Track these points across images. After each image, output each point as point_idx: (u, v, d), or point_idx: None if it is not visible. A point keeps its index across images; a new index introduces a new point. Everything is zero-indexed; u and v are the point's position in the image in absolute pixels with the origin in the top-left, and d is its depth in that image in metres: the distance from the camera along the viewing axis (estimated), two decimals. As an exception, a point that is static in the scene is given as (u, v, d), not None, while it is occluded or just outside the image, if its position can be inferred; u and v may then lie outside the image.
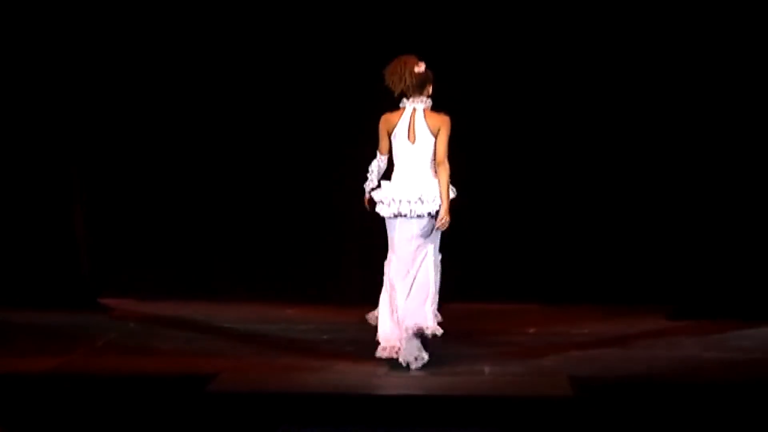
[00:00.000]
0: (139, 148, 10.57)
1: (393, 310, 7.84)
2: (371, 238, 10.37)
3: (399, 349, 7.75)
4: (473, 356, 8.33)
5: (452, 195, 7.76)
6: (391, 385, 7.43)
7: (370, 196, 7.87)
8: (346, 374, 7.64)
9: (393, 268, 7.84)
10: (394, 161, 7.85)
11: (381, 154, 7.83)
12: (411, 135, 7.72)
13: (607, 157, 10.42)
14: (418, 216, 7.70)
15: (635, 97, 10.28)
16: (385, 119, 7.79)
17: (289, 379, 7.46)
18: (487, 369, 7.86)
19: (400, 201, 7.69)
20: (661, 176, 10.25)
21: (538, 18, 10.28)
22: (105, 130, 10.50)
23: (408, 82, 7.68)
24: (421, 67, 7.71)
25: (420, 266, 7.74)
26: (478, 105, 10.24)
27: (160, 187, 10.60)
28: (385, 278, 7.94)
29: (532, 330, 9.33)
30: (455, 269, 9.52)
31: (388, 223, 7.82)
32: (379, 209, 7.81)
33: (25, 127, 10.13)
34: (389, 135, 7.77)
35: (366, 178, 7.96)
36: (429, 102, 7.77)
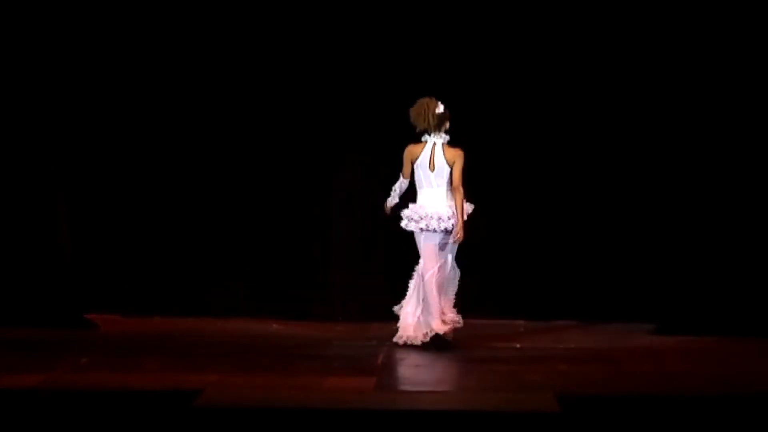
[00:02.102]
0: (125, 168, 10.57)
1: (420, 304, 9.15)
2: (356, 255, 10.44)
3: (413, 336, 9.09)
4: (460, 371, 8.33)
5: (470, 209, 9.19)
6: (378, 401, 7.41)
7: (391, 208, 9.35)
8: (333, 390, 7.63)
9: (425, 270, 9.11)
10: (417, 185, 9.22)
11: (404, 177, 9.25)
12: (431, 164, 9.12)
13: (593, 178, 10.46)
14: (434, 231, 9.07)
15: (618, 121, 10.36)
16: (410, 150, 9.19)
17: (276, 394, 7.45)
18: (473, 384, 7.86)
19: (426, 217, 9.06)
20: (647, 196, 10.29)
21: (545, 50, 10.38)
22: (91, 146, 10.50)
23: (431, 123, 9.11)
24: (440, 109, 9.14)
25: (449, 272, 9.18)
26: (465, 131, 10.32)
27: (146, 203, 10.60)
28: (416, 276, 9.20)
29: (518, 345, 9.34)
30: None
31: (416, 236, 9.17)
32: (407, 226, 9.16)
33: (11, 144, 10.12)
34: (412, 163, 9.14)
35: (389, 195, 9.34)
36: (446, 137, 9.17)
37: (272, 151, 10.58)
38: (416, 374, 8.22)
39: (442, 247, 9.14)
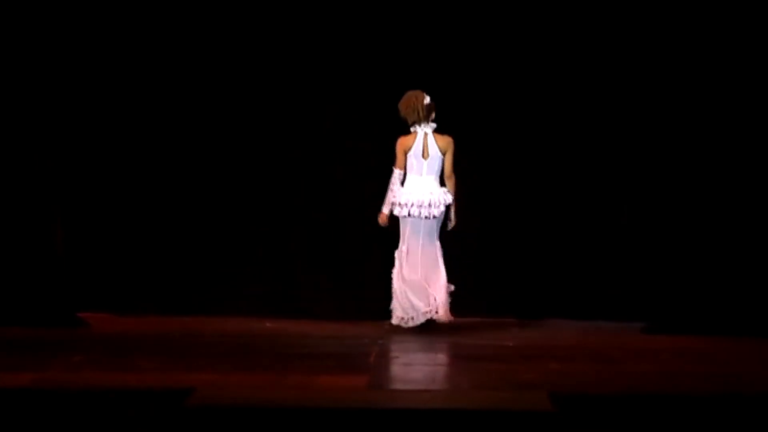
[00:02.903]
0: (118, 164, 10.56)
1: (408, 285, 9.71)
2: (348, 252, 10.43)
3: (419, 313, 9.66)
4: (452, 370, 8.32)
5: (449, 200, 9.70)
6: (371, 400, 7.40)
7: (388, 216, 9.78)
8: (326, 388, 7.61)
9: (405, 255, 9.70)
10: (407, 173, 9.71)
11: (400, 169, 9.71)
12: (425, 153, 9.64)
13: (585, 175, 10.46)
14: (426, 217, 9.61)
15: (609, 119, 10.37)
16: (402, 142, 9.70)
17: (269, 393, 7.43)
18: (465, 383, 7.85)
19: (413, 205, 9.61)
20: (641, 193, 10.29)
21: (536, 52, 10.39)
22: (84, 144, 10.49)
23: (420, 114, 9.62)
24: (427, 100, 9.65)
25: (431, 256, 9.67)
26: (456, 126, 10.35)
27: (138, 201, 10.59)
28: (398, 262, 9.74)
29: (510, 344, 9.33)
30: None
31: (402, 221, 9.70)
32: (396, 211, 9.69)
33: (3, 141, 10.09)
34: (406, 154, 9.62)
35: (388, 190, 9.74)
36: (434, 125, 9.67)
37: (264, 149, 10.58)
38: (408, 373, 8.21)
39: (431, 232, 9.69)
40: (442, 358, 8.87)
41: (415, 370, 8.30)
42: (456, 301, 9.99)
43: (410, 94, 9.67)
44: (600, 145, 10.41)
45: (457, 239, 10.15)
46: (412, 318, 9.70)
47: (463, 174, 10.02)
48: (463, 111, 10.34)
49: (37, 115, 10.14)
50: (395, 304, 9.76)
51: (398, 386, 7.81)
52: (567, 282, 10.46)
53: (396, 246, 9.79)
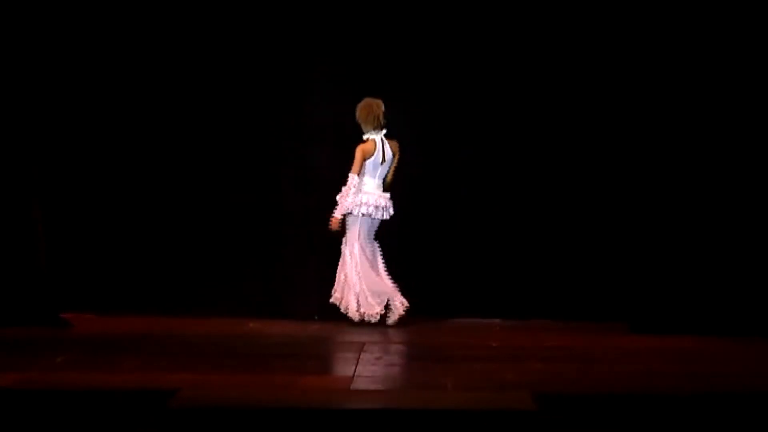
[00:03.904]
0: (99, 166, 10.54)
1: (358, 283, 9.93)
2: (329, 254, 10.43)
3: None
4: (436, 370, 8.33)
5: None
6: (354, 400, 7.41)
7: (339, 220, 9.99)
8: (308, 389, 7.62)
9: (364, 255, 9.93)
10: (362, 177, 9.92)
11: (357, 175, 9.90)
12: (383, 158, 9.94)
13: (569, 176, 10.48)
14: (376, 218, 9.93)
15: (594, 121, 10.38)
16: (364, 149, 9.93)
17: (252, 393, 7.43)
18: (449, 383, 7.86)
19: (372, 206, 9.90)
20: (621, 195, 10.30)
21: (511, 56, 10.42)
22: (66, 145, 10.47)
23: (380, 122, 9.91)
24: (383, 107, 9.88)
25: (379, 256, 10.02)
26: (433, 127, 10.37)
27: (120, 202, 10.57)
28: (358, 261, 9.92)
29: (495, 344, 9.34)
30: (419, 285, 9.56)
31: (360, 221, 9.92)
32: (356, 212, 9.89)
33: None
34: (365, 160, 9.87)
35: (340, 191, 9.91)
36: (385, 130, 9.96)
37: (246, 148, 10.57)
38: (392, 373, 8.21)
39: (377, 233, 9.99)
40: (425, 358, 8.86)
41: (398, 370, 8.30)
42: (441, 302, 10.01)
43: (370, 102, 9.93)
44: (585, 146, 10.41)
45: (441, 241, 10.16)
46: (371, 315, 9.85)
47: (450, 177, 10.07)
48: (445, 113, 10.37)
49: (18, 113, 10.11)
50: (353, 301, 9.90)
51: (381, 387, 7.81)
52: (551, 283, 10.47)
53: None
